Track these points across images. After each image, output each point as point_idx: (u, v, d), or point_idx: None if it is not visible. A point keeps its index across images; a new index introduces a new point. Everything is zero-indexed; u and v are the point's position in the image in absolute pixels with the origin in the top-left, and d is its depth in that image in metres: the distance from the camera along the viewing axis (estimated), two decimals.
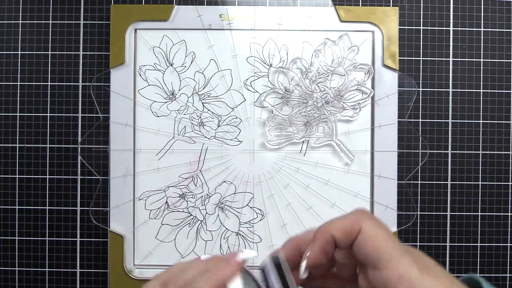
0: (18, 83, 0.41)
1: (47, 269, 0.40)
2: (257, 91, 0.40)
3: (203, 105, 0.40)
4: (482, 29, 0.41)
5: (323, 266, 0.25)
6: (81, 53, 0.41)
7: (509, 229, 0.41)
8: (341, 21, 0.40)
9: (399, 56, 0.40)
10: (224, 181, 0.40)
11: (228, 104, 0.40)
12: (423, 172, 0.41)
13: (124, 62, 0.40)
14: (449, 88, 0.41)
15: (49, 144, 0.41)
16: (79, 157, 0.40)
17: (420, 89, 0.41)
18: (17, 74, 0.41)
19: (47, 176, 0.40)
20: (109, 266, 0.39)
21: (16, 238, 0.40)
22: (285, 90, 0.40)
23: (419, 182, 0.41)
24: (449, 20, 0.41)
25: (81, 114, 0.41)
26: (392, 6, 0.40)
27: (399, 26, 0.40)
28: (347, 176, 0.40)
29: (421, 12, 0.41)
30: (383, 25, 0.40)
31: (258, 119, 0.40)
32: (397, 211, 0.40)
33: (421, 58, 0.41)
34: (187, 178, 0.40)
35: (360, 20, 0.40)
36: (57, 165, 0.40)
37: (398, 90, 0.40)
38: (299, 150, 0.40)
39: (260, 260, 0.26)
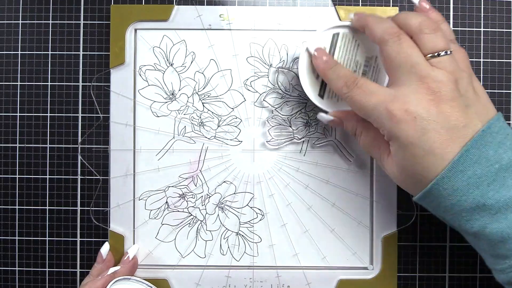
0: (18, 83, 0.41)
1: (47, 269, 0.40)
2: (257, 91, 0.40)
3: (203, 105, 0.40)
4: (482, 29, 0.41)
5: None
6: (81, 53, 0.41)
7: None
8: (341, 21, 0.40)
9: None
10: (224, 181, 0.40)
11: (228, 104, 0.40)
12: None
13: (124, 62, 0.40)
14: None
15: (49, 144, 0.41)
16: (79, 157, 0.40)
17: None
18: (17, 74, 0.41)
19: (47, 176, 0.40)
20: None
21: (16, 238, 0.40)
22: (285, 90, 0.40)
23: None
24: (449, 20, 0.41)
25: (81, 114, 0.41)
26: (392, 6, 0.40)
27: None
28: (347, 176, 0.40)
29: None
30: None
31: (258, 119, 0.40)
32: (397, 211, 0.40)
33: None
34: (187, 178, 0.40)
35: None
36: (57, 165, 0.41)
37: None
38: (299, 150, 0.40)
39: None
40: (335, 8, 0.40)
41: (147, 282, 0.37)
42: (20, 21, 0.41)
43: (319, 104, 0.36)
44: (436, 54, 0.28)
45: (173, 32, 0.40)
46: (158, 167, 0.40)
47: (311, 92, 0.36)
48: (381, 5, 0.40)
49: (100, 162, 0.40)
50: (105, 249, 0.38)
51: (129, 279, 0.37)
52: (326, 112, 0.36)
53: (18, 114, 0.41)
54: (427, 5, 0.33)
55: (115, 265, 0.38)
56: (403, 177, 0.30)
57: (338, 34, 0.35)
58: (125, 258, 0.38)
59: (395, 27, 0.30)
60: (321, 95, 0.36)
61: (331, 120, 0.35)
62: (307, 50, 0.35)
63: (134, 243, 0.40)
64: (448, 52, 0.29)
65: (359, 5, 0.40)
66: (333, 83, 0.33)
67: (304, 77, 0.36)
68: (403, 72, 0.29)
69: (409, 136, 0.28)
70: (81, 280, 0.40)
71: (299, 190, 0.40)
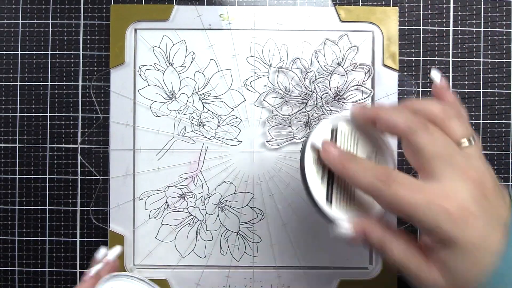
0: (18, 83, 0.41)
1: (47, 269, 0.40)
2: (257, 91, 0.40)
3: (203, 105, 0.40)
4: (482, 29, 0.41)
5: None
6: (81, 53, 0.41)
7: None
8: (341, 21, 0.40)
9: (399, 56, 0.40)
10: (224, 181, 0.40)
11: (228, 104, 0.40)
12: None
13: (124, 62, 0.40)
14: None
15: (49, 144, 0.41)
16: (79, 157, 0.40)
17: (420, 89, 0.41)
18: (17, 74, 0.41)
19: (47, 176, 0.40)
20: None
21: (16, 238, 0.40)
22: (285, 90, 0.40)
23: None
24: (449, 20, 0.41)
25: (81, 114, 0.41)
26: (392, 6, 0.40)
27: (399, 26, 0.40)
28: None
29: (421, 12, 0.41)
30: (383, 25, 0.40)
31: (258, 119, 0.40)
32: None
33: (421, 58, 0.41)
34: (187, 178, 0.40)
35: (360, 20, 0.40)
36: (57, 165, 0.41)
37: (398, 90, 0.40)
38: (299, 150, 0.40)
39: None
40: (335, 8, 0.40)
41: (149, 281, 0.37)
42: (20, 21, 0.41)
43: (332, 213, 0.28)
44: (463, 141, 0.26)
45: (173, 32, 0.40)
46: (158, 167, 0.40)
47: (320, 200, 0.28)
48: (381, 5, 0.40)
49: (100, 162, 0.40)
50: (101, 253, 0.36)
51: (130, 277, 0.36)
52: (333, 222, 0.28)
53: (18, 114, 0.41)
54: (445, 85, 0.30)
55: (115, 268, 0.38)
56: (453, 284, 0.25)
57: (336, 130, 0.30)
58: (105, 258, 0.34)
59: (416, 116, 0.26)
60: (328, 201, 0.28)
61: (352, 235, 0.27)
62: (312, 146, 0.29)
63: (134, 243, 0.40)
64: (473, 138, 0.26)
65: (359, 5, 0.40)
66: (359, 179, 0.26)
67: (312, 181, 0.29)
68: (441, 164, 0.25)
69: (472, 237, 0.24)
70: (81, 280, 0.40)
71: (299, 190, 0.40)
